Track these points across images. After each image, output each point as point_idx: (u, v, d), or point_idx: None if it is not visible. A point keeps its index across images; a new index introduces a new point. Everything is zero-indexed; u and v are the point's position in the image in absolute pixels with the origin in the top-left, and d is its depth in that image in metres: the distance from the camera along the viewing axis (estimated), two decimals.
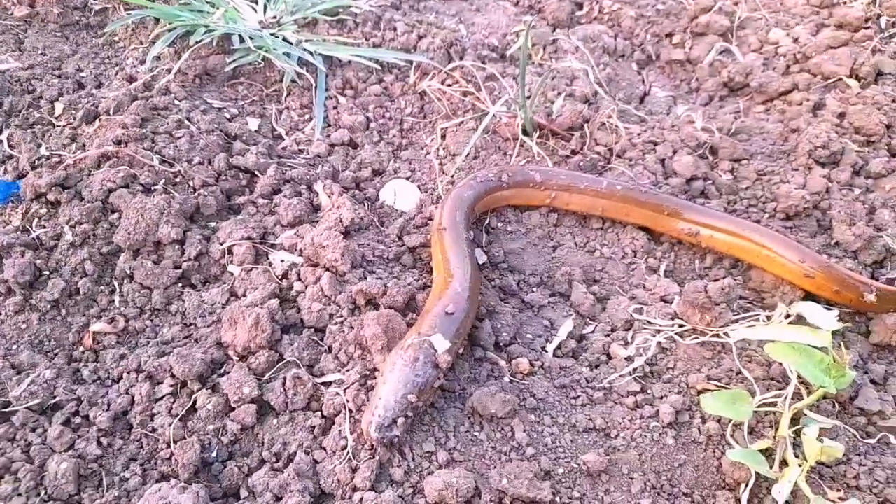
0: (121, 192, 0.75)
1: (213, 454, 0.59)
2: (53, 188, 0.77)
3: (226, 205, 0.80)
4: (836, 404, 0.64)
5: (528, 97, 0.88)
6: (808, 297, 0.73)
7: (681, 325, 0.69)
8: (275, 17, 1.04)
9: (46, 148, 0.84)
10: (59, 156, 0.82)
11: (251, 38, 0.98)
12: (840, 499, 0.57)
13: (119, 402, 0.63)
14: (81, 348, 0.68)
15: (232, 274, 0.72)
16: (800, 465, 0.56)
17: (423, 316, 0.62)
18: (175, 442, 0.60)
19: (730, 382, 0.64)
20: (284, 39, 1.00)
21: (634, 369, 0.65)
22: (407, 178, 0.88)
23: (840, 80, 0.98)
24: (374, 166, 0.89)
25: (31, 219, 0.76)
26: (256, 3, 1.05)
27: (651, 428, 0.60)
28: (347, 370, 0.63)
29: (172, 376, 0.63)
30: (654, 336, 0.68)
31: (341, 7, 1.06)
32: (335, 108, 0.95)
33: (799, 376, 0.61)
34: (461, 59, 1.00)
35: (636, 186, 0.80)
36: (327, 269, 0.70)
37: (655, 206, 0.78)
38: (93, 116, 0.87)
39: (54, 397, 0.63)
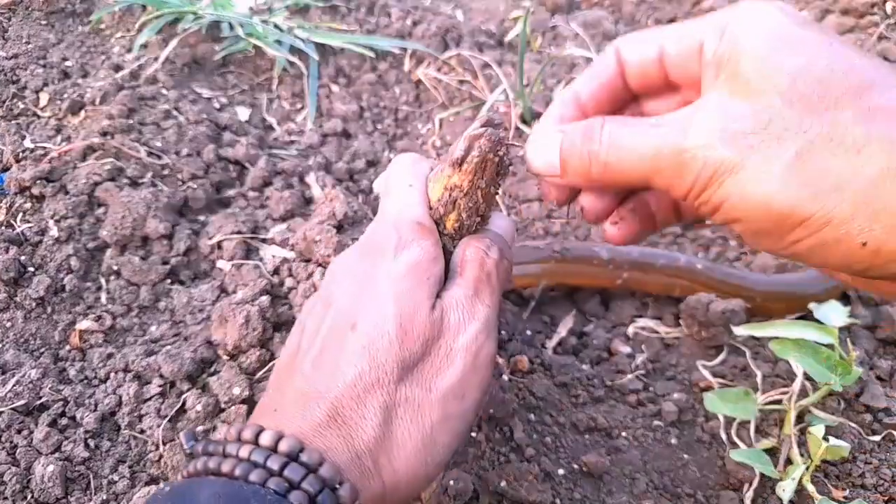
0: (107, 185, 0.73)
1: None
2: (38, 182, 0.75)
3: (215, 198, 0.78)
4: (842, 401, 0.63)
5: (527, 85, 0.86)
6: None
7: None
8: (265, 3, 1.02)
9: (31, 140, 0.82)
10: (44, 148, 0.80)
11: (241, 26, 0.96)
12: (845, 498, 0.56)
13: (106, 402, 0.61)
14: (68, 347, 0.66)
15: (222, 270, 0.70)
16: (805, 464, 0.55)
17: None
18: (164, 444, 0.58)
19: (734, 380, 0.62)
20: (275, 26, 0.97)
21: (636, 366, 0.64)
22: None
23: None
24: (369, 157, 0.86)
25: (14, 213, 0.74)
26: None
27: (654, 427, 0.59)
28: None
29: (161, 376, 0.61)
30: (656, 332, 0.67)
31: None
32: (328, 97, 0.93)
33: (805, 373, 0.59)
34: (457, 46, 0.98)
35: (715, 266, 0.70)
36: (320, 265, 0.68)
37: (738, 287, 0.68)
38: (78, 107, 0.85)
39: (40, 398, 0.61)
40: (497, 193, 0.42)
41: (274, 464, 0.30)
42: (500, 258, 0.40)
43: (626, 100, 0.39)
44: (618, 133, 0.33)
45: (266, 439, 0.31)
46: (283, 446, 0.31)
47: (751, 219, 0.30)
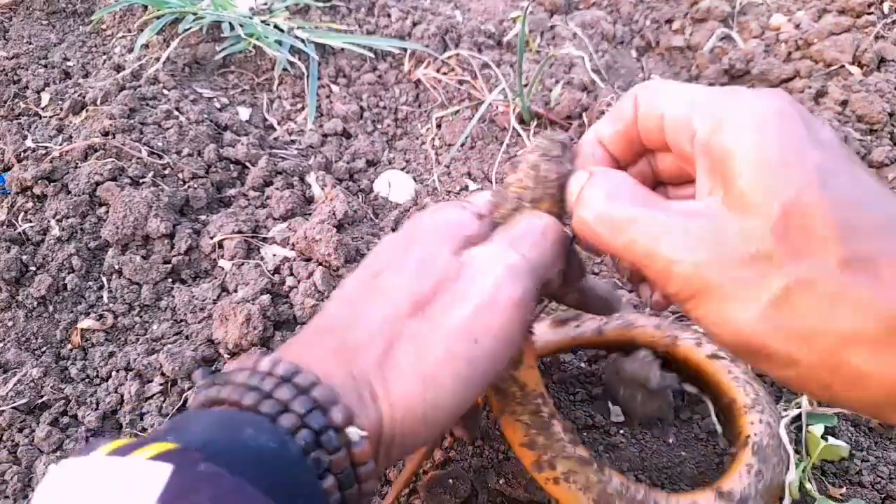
0: (108, 185, 0.74)
1: None
2: (39, 181, 0.75)
3: (216, 197, 0.78)
4: None
5: (526, 85, 0.86)
6: None
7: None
8: (266, 4, 1.02)
9: (32, 140, 0.82)
10: (46, 148, 0.80)
11: (241, 26, 0.96)
12: (842, 496, 0.56)
13: (108, 400, 0.61)
14: (69, 346, 0.67)
15: (223, 269, 0.70)
16: (801, 462, 0.55)
17: None
18: None
19: None
20: (276, 27, 0.98)
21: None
22: (402, 169, 0.86)
23: (842, 67, 0.96)
24: (369, 157, 0.87)
25: (16, 213, 0.75)
26: None
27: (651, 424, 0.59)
28: None
29: (162, 374, 0.62)
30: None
31: None
32: (328, 97, 0.93)
33: None
34: (457, 46, 0.98)
35: None
36: (320, 264, 0.68)
37: None
38: (80, 107, 0.86)
39: (41, 396, 0.61)
40: (554, 207, 0.42)
41: (267, 386, 0.30)
42: (550, 224, 0.40)
43: (643, 150, 0.39)
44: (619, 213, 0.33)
45: (264, 365, 0.32)
46: (279, 370, 0.31)
47: (722, 340, 0.31)
